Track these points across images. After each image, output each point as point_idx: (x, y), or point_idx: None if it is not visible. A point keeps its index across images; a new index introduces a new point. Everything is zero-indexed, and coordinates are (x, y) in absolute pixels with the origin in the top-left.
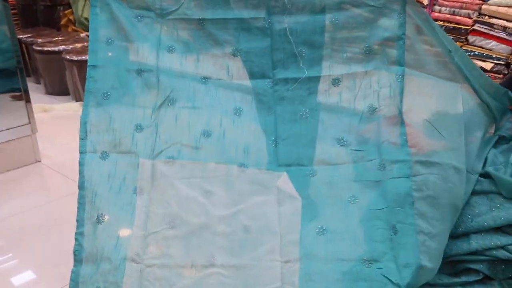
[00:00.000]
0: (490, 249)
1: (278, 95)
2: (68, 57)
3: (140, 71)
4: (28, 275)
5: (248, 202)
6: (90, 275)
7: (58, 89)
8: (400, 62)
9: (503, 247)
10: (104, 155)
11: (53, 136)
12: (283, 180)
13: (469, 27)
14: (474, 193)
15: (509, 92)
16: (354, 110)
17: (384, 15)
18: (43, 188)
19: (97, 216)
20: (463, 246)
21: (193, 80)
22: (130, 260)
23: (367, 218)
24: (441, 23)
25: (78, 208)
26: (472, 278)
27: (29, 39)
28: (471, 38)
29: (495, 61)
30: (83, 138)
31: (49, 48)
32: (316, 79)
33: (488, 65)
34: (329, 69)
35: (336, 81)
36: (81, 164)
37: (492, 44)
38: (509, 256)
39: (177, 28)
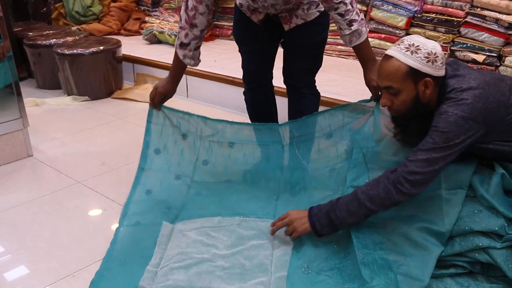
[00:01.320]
0: (472, 250)
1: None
2: (59, 51)
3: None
4: (21, 270)
5: (246, 244)
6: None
7: (50, 83)
8: None
9: (484, 249)
10: (136, 224)
11: (45, 130)
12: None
13: (462, 19)
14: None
15: None
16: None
17: None
18: (35, 183)
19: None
20: (447, 249)
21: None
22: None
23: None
24: (433, 15)
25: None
26: (460, 270)
27: (20, 33)
28: (463, 30)
29: (487, 53)
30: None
31: (40, 42)
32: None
33: (480, 57)
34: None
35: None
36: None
37: (484, 36)
38: (488, 259)
39: (212, 147)
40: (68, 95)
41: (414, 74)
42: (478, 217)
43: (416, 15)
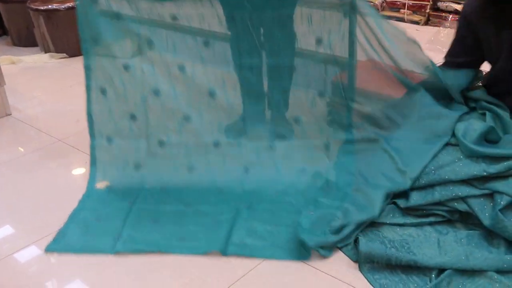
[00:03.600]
0: (451, 199)
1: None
2: (33, 6)
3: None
4: (6, 230)
5: (222, 169)
6: (103, 127)
7: (26, 40)
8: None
9: (462, 199)
10: (109, 140)
11: (23, 88)
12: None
13: None
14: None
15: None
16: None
17: None
18: (15, 142)
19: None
20: (427, 197)
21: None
22: (129, 118)
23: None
24: None
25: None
26: (439, 218)
27: None
28: None
29: None
30: (90, 125)
31: None
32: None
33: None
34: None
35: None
36: (92, 146)
37: None
38: (467, 208)
39: None
40: (45, 52)
41: None
42: (457, 166)
43: None
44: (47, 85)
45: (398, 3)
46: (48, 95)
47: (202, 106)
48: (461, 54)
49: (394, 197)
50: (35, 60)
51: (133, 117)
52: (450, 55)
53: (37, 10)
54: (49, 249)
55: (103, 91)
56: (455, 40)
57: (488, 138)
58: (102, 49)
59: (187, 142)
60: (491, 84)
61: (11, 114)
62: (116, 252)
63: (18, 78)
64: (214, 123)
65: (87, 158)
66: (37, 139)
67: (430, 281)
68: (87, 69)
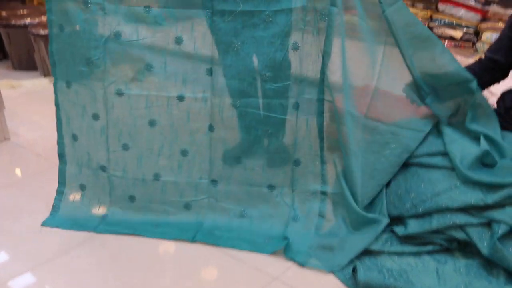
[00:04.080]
0: (449, 227)
1: (215, 25)
2: (34, 31)
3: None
4: (1, 256)
5: (185, 128)
6: (75, 174)
7: (26, 64)
8: (327, 2)
9: (461, 227)
10: (68, 84)
11: (22, 113)
12: (214, 109)
13: None
14: (436, 167)
15: (472, 81)
16: (281, 45)
17: None
18: (13, 167)
19: (72, 135)
20: (425, 225)
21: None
22: (99, 169)
23: (273, 150)
24: None
25: (57, 123)
26: (437, 247)
27: None
28: (441, 6)
29: (464, 30)
30: (53, 65)
31: (14, 22)
32: (250, 13)
33: (458, 34)
34: (263, 4)
35: (268, 17)
36: (54, 89)
37: (462, 12)
38: (465, 237)
39: None
40: (45, 76)
41: None
42: (454, 194)
43: None
44: (46, 110)
45: None
46: (47, 120)
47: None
48: (498, 52)
49: (392, 224)
50: (34, 84)
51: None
52: (489, 50)
53: (38, 35)
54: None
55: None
56: (498, 38)
57: (484, 162)
58: None
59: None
60: None
61: (9, 139)
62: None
63: (18, 103)
64: (179, 75)
65: None
66: (36, 164)
67: None
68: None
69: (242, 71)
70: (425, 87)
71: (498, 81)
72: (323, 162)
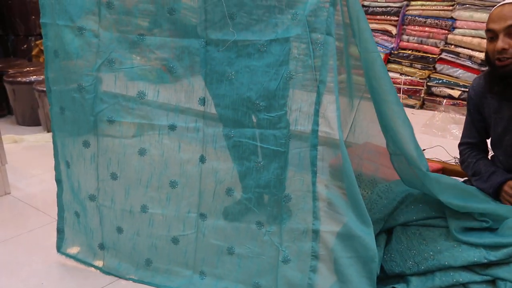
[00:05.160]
0: (452, 286)
1: (209, 55)
2: (39, 87)
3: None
4: None
5: (175, 159)
6: (70, 201)
7: (29, 119)
8: (324, 31)
9: (464, 285)
10: (62, 110)
11: (23, 167)
12: (207, 139)
13: (437, 55)
14: (437, 226)
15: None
16: (275, 75)
17: None
18: (12, 221)
19: (65, 162)
20: (428, 283)
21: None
22: (89, 198)
23: (264, 184)
24: (409, 52)
25: (53, 149)
26: None
27: (0, 70)
28: (438, 66)
29: (462, 89)
30: (48, 91)
31: (20, 79)
32: (245, 42)
33: (455, 93)
34: (258, 34)
35: (262, 46)
36: (50, 114)
37: (459, 72)
38: None
39: None
40: (48, 131)
41: None
42: (456, 251)
43: (392, 51)
44: (47, 164)
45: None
46: (48, 174)
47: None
48: (473, 135)
49: (394, 282)
50: (37, 139)
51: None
52: (463, 136)
53: (42, 91)
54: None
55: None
56: (466, 123)
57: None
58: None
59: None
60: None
61: (10, 193)
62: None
63: (20, 157)
64: (171, 103)
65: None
66: (34, 218)
67: None
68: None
69: (236, 100)
70: (391, 148)
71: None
72: (315, 198)
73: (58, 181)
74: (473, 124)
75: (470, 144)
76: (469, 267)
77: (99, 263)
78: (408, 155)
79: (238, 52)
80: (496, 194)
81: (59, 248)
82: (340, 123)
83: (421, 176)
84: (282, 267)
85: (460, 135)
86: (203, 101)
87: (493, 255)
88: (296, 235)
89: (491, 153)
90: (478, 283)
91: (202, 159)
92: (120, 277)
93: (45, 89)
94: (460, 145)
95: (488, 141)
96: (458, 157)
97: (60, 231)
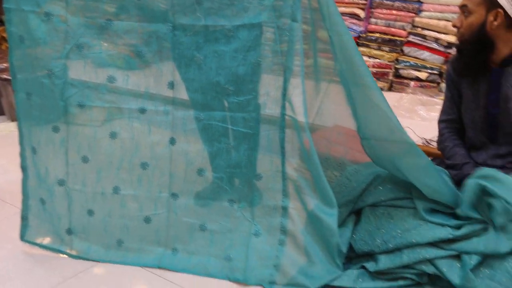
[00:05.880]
0: (419, 262)
1: (177, 39)
2: (2, 76)
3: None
4: None
5: (145, 141)
6: (35, 188)
7: None
8: (289, 17)
9: (430, 261)
10: (28, 96)
11: None
12: (176, 122)
13: (404, 38)
14: (404, 207)
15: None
16: (243, 60)
17: None
18: None
19: (32, 148)
20: (396, 260)
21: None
22: (57, 184)
23: (235, 165)
24: (377, 35)
25: (19, 136)
26: (408, 281)
27: None
28: (406, 49)
29: (429, 71)
30: (13, 77)
31: None
32: (212, 27)
33: (423, 75)
34: (225, 19)
35: (229, 31)
36: (15, 100)
37: (426, 54)
38: (435, 271)
39: None
40: (12, 121)
41: (489, 2)
42: (423, 229)
43: (361, 35)
44: (12, 154)
45: None
46: (13, 164)
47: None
48: (453, 111)
49: (363, 261)
50: (0, 129)
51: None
52: (443, 113)
53: (6, 79)
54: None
55: None
56: (445, 99)
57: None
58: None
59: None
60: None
61: None
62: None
63: None
64: (141, 87)
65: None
66: (0, 210)
67: None
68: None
69: (205, 84)
70: (362, 131)
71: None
72: (284, 177)
73: (24, 167)
74: (452, 100)
75: (450, 122)
76: (435, 244)
77: (67, 249)
78: (390, 137)
79: (206, 37)
80: (461, 183)
81: (22, 236)
82: (306, 107)
83: (398, 159)
84: (253, 240)
85: (428, 117)
86: (172, 85)
87: (459, 232)
88: (266, 211)
89: None
90: (444, 257)
91: (172, 141)
92: (90, 260)
93: (8, 77)
94: (440, 122)
95: None
96: (427, 137)
97: (24, 219)
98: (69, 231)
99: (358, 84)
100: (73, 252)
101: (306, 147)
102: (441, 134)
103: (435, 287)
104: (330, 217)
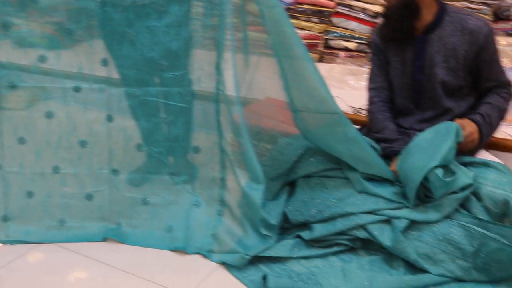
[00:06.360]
0: (352, 228)
1: (107, 16)
2: None
3: None
4: None
5: (82, 119)
6: None
7: None
8: None
9: (363, 226)
10: None
11: None
12: (112, 99)
13: (332, 9)
14: (337, 177)
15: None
16: (176, 36)
17: None
18: None
19: None
20: (330, 228)
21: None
22: None
23: (173, 138)
24: (306, 6)
25: None
26: (342, 247)
27: None
28: (335, 19)
29: (357, 41)
30: None
31: None
32: (142, 3)
33: (352, 45)
34: None
35: (161, 7)
36: None
37: (353, 25)
38: (367, 235)
39: None
40: None
41: None
42: (358, 200)
43: (290, 7)
44: None
45: None
46: None
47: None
48: (381, 79)
49: (298, 230)
50: None
51: None
52: (372, 81)
53: None
54: None
55: None
56: (372, 67)
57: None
58: None
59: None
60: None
61: None
62: None
63: None
64: (74, 66)
65: None
66: None
67: None
68: None
69: (139, 61)
70: (294, 104)
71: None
72: (222, 150)
73: None
74: (380, 67)
75: (379, 89)
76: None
77: (3, 236)
78: (321, 108)
79: (137, 12)
80: (388, 158)
81: None
82: (237, 81)
83: (328, 130)
84: (193, 210)
85: (357, 86)
86: (105, 62)
87: (391, 204)
88: (206, 183)
89: None
90: (375, 222)
91: (109, 119)
92: (29, 243)
93: None
94: (369, 90)
95: None
96: (356, 106)
97: None
98: (5, 218)
99: (290, 56)
100: (11, 238)
101: (236, 122)
102: (371, 102)
103: (367, 251)
104: (255, 191)
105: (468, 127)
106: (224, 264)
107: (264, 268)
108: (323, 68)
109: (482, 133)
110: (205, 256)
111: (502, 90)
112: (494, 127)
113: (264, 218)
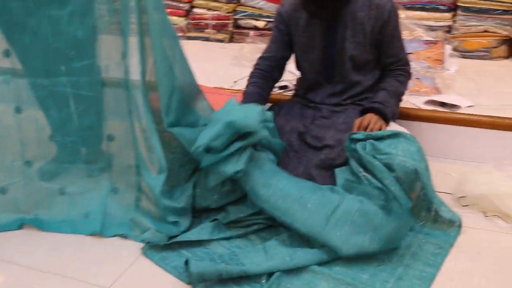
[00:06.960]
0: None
1: (5, 5)
2: None
3: None
4: None
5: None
6: None
7: None
8: None
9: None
10: None
11: None
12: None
13: None
14: None
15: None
16: (81, 25)
17: None
18: None
19: None
20: (243, 210)
21: None
22: None
23: (86, 127)
24: None
25: None
26: (262, 226)
27: None
28: None
29: (266, 19)
30: None
31: None
32: None
33: (260, 23)
34: None
35: None
36: None
37: (261, 3)
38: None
39: None
40: None
41: None
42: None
43: None
44: None
45: (202, 23)
46: None
47: None
48: (275, 49)
49: (214, 214)
50: None
51: None
52: (265, 51)
53: None
54: None
55: None
56: (271, 38)
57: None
58: None
59: None
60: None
61: None
62: None
63: None
64: None
65: None
66: None
67: (261, 287)
68: None
69: (44, 51)
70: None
71: (279, 79)
72: (134, 137)
73: None
74: (279, 39)
75: (264, 58)
76: None
77: None
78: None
79: (37, 1)
80: None
81: None
82: (143, 65)
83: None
84: (111, 197)
85: None
86: (7, 53)
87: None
88: (122, 170)
89: (290, 72)
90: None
91: (18, 110)
92: None
93: None
94: (258, 58)
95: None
96: None
97: None
98: None
99: (173, 36)
100: None
101: (140, 108)
102: (253, 67)
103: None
104: (154, 181)
105: (368, 118)
106: (145, 255)
107: (185, 253)
108: (235, 48)
109: (386, 117)
110: (124, 246)
111: (400, 72)
112: (394, 109)
113: (168, 206)
